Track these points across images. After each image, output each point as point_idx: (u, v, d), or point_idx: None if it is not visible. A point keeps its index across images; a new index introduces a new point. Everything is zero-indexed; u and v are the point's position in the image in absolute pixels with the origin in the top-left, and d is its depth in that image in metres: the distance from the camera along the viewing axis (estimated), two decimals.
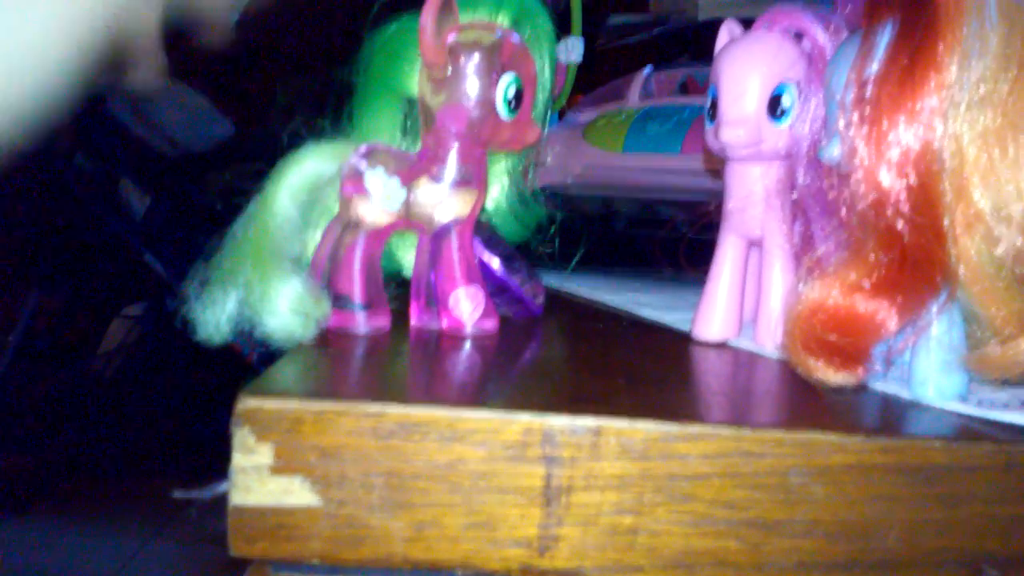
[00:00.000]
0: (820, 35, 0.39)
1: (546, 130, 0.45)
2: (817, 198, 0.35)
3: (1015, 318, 0.32)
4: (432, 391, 0.34)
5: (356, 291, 0.39)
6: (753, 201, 0.41)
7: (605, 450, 0.29)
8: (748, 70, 0.39)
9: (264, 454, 0.29)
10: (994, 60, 0.31)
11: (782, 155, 0.39)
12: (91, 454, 1.66)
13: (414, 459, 0.29)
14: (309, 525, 0.29)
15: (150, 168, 1.83)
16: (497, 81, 0.39)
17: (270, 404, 0.29)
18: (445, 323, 0.40)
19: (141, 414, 1.77)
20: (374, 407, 0.29)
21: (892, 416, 0.33)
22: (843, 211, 0.33)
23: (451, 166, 0.39)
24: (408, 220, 0.40)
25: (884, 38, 0.32)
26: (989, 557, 0.30)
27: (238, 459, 0.29)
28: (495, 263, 0.43)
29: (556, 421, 0.29)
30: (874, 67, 0.32)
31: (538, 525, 0.29)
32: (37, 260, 1.72)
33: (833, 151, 0.33)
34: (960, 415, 0.33)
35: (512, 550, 0.29)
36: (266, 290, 0.37)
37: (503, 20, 0.40)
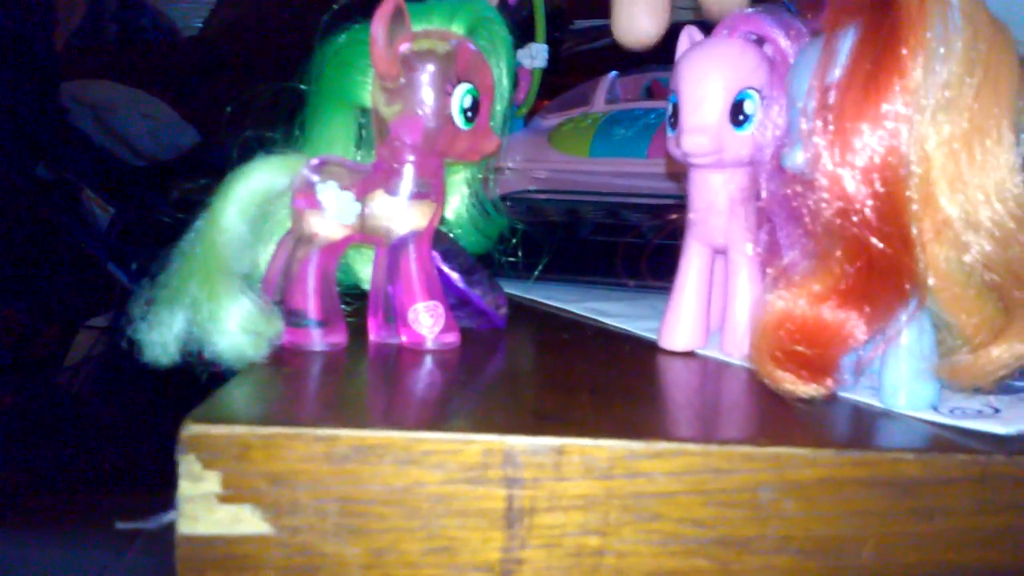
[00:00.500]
0: (782, 40, 0.38)
1: (506, 138, 0.44)
2: (782, 206, 0.34)
3: (986, 325, 0.31)
4: (388, 412, 0.33)
5: (311, 307, 0.38)
6: (716, 210, 0.40)
7: (568, 470, 0.28)
8: (709, 77, 0.38)
9: (212, 482, 0.28)
10: (958, 64, 0.30)
11: (745, 162, 0.38)
12: (59, 467, 1.63)
13: (370, 484, 0.28)
14: (261, 554, 0.28)
15: (113, 178, 1.80)
16: (452, 91, 0.38)
17: (216, 430, 0.28)
18: (405, 338, 0.39)
19: (109, 426, 1.75)
20: (326, 431, 0.28)
21: (864, 428, 0.33)
22: (808, 219, 0.32)
23: (407, 178, 0.38)
24: (364, 234, 0.39)
25: (846, 43, 0.31)
26: (965, 570, 0.29)
27: (185, 487, 0.28)
28: (455, 275, 0.42)
29: (517, 441, 0.28)
30: (837, 72, 0.31)
31: (500, 549, 0.28)
32: None
33: (796, 158, 0.32)
34: (933, 425, 0.32)
35: (474, 575, 0.28)
36: (215, 309, 0.35)
37: (458, 28, 0.39)
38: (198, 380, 0.32)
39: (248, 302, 0.36)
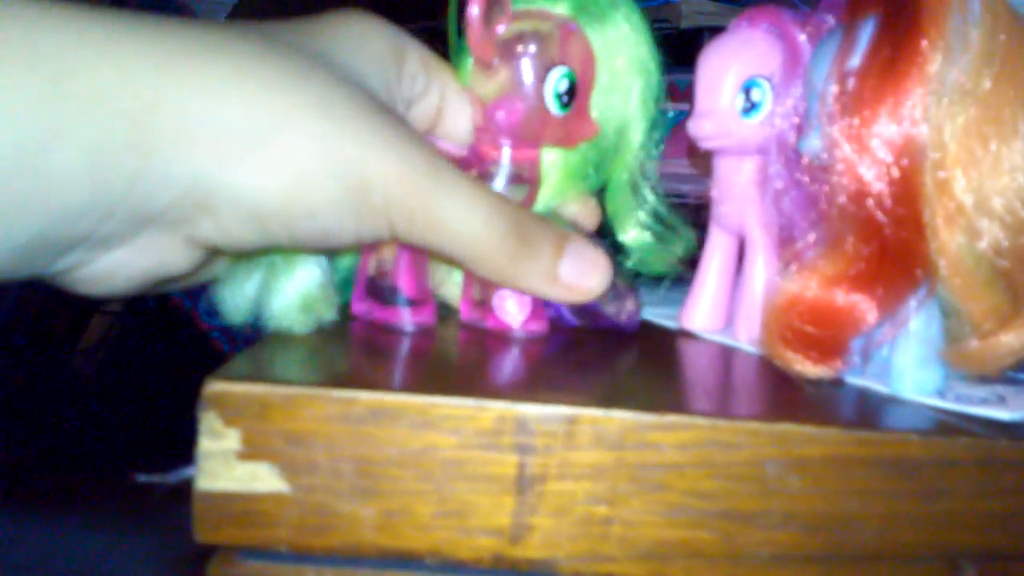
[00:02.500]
0: (799, 33, 0.39)
1: (657, 130, 0.42)
2: (797, 191, 0.35)
3: (994, 313, 0.31)
4: (405, 377, 0.33)
5: (402, 286, 0.38)
6: (733, 196, 0.40)
7: (579, 439, 0.29)
8: (719, 64, 0.39)
9: (231, 439, 0.29)
10: (977, 55, 0.30)
11: (759, 149, 0.39)
12: (69, 449, 1.65)
13: (385, 446, 0.29)
14: (277, 512, 0.29)
15: None
16: (547, 74, 0.36)
17: (238, 388, 0.28)
18: (490, 323, 0.38)
19: (120, 410, 1.76)
20: (344, 393, 0.29)
21: (869, 409, 0.33)
22: (823, 204, 0.32)
23: (501, 162, 0.37)
24: None
25: (866, 32, 0.32)
26: (967, 552, 0.30)
27: (205, 444, 0.29)
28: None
29: (530, 409, 0.29)
30: (856, 60, 0.32)
31: (511, 514, 0.29)
32: None
33: (813, 143, 0.33)
34: (938, 410, 0.33)
35: (484, 539, 0.29)
36: (286, 274, 0.36)
37: (562, 9, 0.38)
38: (209, 369, 0.32)
39: (316, 275, 0.36)
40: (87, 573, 1.31)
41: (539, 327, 0.39)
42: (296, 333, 0.36)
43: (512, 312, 0.38)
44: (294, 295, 0.36)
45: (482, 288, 0.38)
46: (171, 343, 1.61)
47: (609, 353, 0.38)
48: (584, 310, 0.40)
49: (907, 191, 0.30)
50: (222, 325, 0.39)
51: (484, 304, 0.38)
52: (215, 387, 0.28)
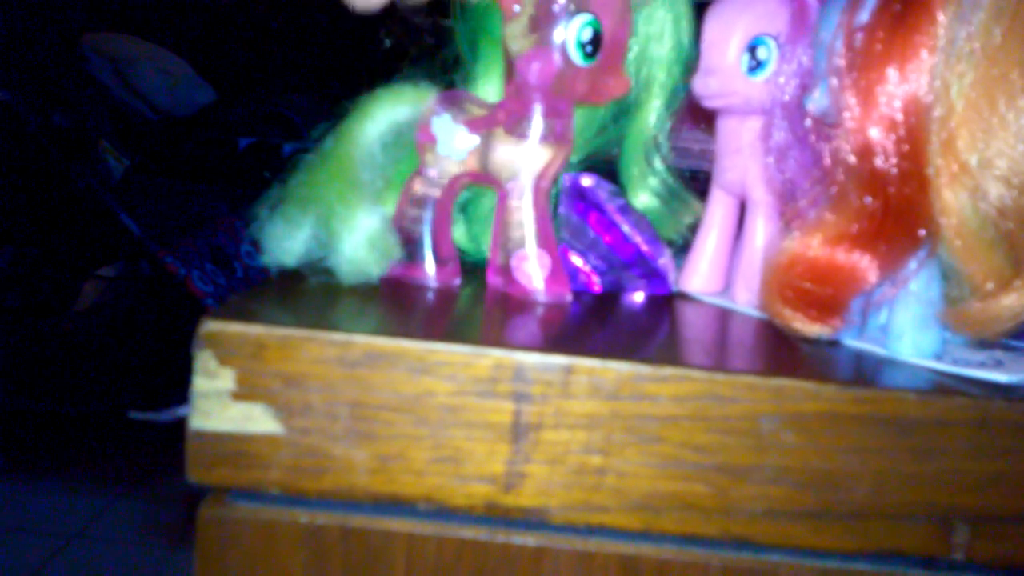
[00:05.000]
0: None
1: (676, 100, 0.42)
2: (800, 149, 0.34)
3: (995, 274, 0.31)
4: (402, 322, 0.33)
5: (427, 244, 0.38)
6: (735, 156, 0.40)
7: (575, 388, 0.29)
8: (726, 22, 0.39)
9: (226, 379, 0.28)
10: (987, 12, 0.30)
11: (763, 108, 0.38)
12: (61, 413, 1.65)
13: (381, 390, 0.29)
14: (270, 453, 0.29)
15: (129, 131, 1.81)
16: (569, 22, 0.35)
17: (233, 328, 0.28)
18: (511, 288, 0.38)
19: (113, 374, 1.76)
20: (340, 335, 0.28)
21: (867, 369, 0.33)
22: (827, 160, 0.32)
23: (528, 118, 0.36)
24: (481, 173, 0.37)
25: None
26: (960, 512, 0.30)
27: (199, 383, 0.28)
28: (628, 228, 0.40)
29: (527, 357, 0.29)
30: (865, 15, 0.31)
31: (505, 462, 0.29)
32: (11, 216, 1.70)
33: (820, 99, 0.32)
34: (935, 371, 0.32)
35: (478, 486, 0.29)
36: (349, 217, 0.35)
37: None
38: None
39: (379, 219, 0.36)
40: (78, 536, 1.31)
41: (561, 291, 0.37)
42: (370, 275, 0.36)
43: (532, 272, 0.37)
44: (363, 238, 0.35)
45: (506, 249, 0.37)
46: (164, 309, 1.60)
47: (608, 309, 0.38)
48: (638, 258, 0.40)
49: (912, 148, 0.30)
50: (216, 292, 0.38)
51: (507, 269, 0.38)
52: (210, 326, 0.28)
